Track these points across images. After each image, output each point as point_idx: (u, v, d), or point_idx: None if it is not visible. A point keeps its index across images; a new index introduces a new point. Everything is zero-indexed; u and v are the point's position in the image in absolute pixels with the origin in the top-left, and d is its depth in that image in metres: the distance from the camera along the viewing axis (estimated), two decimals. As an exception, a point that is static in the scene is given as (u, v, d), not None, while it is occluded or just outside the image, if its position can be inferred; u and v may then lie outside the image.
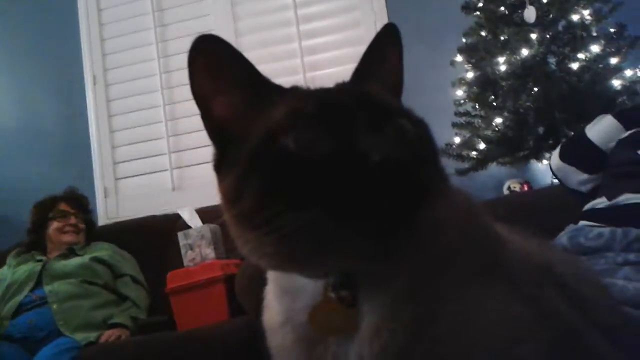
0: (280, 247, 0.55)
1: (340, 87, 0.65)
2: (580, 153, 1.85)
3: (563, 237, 1.47)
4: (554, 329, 0.56)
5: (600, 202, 1.58)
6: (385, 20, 3.34)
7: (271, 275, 0.70)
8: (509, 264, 0.62)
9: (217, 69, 0.64)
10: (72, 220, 2.73)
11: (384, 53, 0.72)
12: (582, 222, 1.52)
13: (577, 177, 1.82)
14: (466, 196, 0.69)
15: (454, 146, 2.81)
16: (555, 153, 1.94)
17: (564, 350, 0.55)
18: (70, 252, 2.64)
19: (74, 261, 2.56)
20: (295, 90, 0.65)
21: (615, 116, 1.79)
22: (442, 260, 0.59)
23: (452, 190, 0.63)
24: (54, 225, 2.70)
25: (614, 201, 1.51)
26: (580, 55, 2.55)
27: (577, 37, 2.59)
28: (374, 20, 3.33)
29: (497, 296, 0.58)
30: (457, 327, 0.56)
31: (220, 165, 0.64)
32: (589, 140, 1.81)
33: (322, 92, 0.62)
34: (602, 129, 1.80)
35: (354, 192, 0.50)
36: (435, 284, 0.58)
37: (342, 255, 0.55)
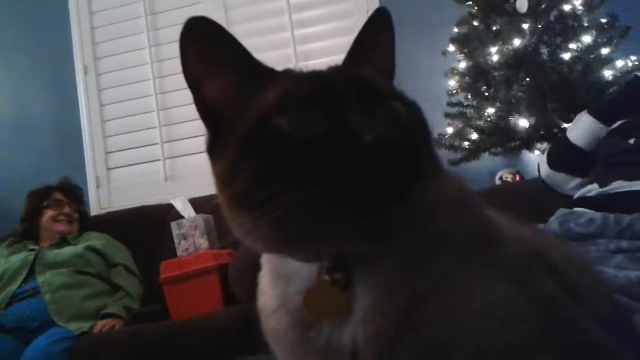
0: (275, 229, 0.56)
1: (333, 70, 0.65)
2: (569, 158, 1.84)
3: (554, 222, 1.47)
4: (547, 311, 0.57)
5: (592, 189, 1.58)
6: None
7: (265, 260, 0.70)
8: (501, 248, 0.63)
9: (209, 52, 0.63)
10: (66, 209, 2.73)
11: (376, 38, 0.71)
12: (575, 208, 1.53)
13: (570, 183, 1.82)
14: (458, 180, 0.69)
15: (446, 136, 2.81)
16: (543, 162, 1.93)
17: (557, 332, 0.55)
18: (63, 241, 2.64)
19: (67, 250, 2.56)
20: (288, 72, 0.64)
21: (592, 114, 1.79)
22: (434, 241, 0.59)
23: (444, 174, 0.63)
24: (48, 213, 2.71)
25: (605, 188, 1.51)
26: (572, 46, 2.56)
27: (569, 27, 2.60)
28: (366, 10, 3.32)
29: (489, 278, 0.58)
30: (449, 309, 0.56)
31: (214, 148, 0.64)
32: (573, 144, 1.81)
33: (315, 74, 0.62)
34: (583, 131, 1.80)
35: (346, 172, 0.51)
36: (428, 265, 0.58)
37: (336, 235, 0.55)
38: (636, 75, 1.82)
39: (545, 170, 1.92)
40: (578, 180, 1.78)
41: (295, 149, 0.54)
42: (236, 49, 0.64)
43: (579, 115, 1.86)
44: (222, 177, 0.60)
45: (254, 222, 0.56)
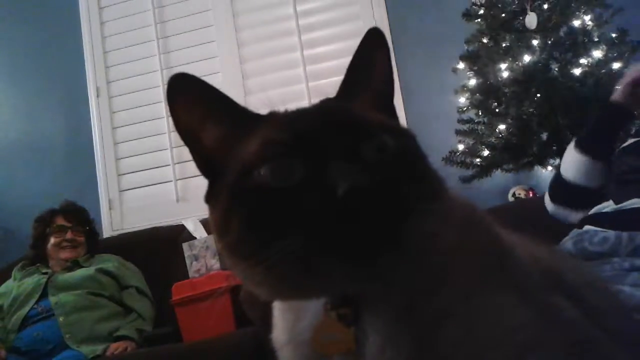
0: (269, 278, 0.56)
1: (318, 109, 0.64)
2: (566, 194, 1.82)
3: (568, 242, 1.46)
4: (567, 335, 0.56)
5: (607, 205, 1.57)
6: (386, 31, 3.35)
7: None
8: (516, 271, 0.62)
9: (193, 105, 0.65)
10: (69, 235, 2.71)
11: (371, 58, 0.69)
12: (587, 227, 1.51)
13: (574, 216, 1.79)
14: (466, 203, 0.68)
15: (457, 153, 2.80)
16: (547, 197, 1.92)
17: (578, 357, 0.54)
18: (75, 264, 2.64)
19: (79, 273, 2.56)
20: (272, 116, 0.65)
21: (577, 148, 1.77)
22: (439, 272, 0.58)
23: (450, 197, 0.62)
24: (52, 240, 2.69)
25: (619, 205, 1.50)
26: (583, 61, 2.55)
27: (579, 42, 2.59)
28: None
29: (504, 303, 0.57)
30: (463, 337, 0.55)
31: (210, 197, 0.64)
32: (565, 180, 1.79)
33: (297, 117, 0.62)
34: (572, 167, 1.78)
35: (324, 222, 0.51)
36: (435, 296, 0.57)
37: (329, 282, 0.56)
38: (610, 101, 1.79)
39: (548, 204, 1.90)
40: (580, 214, 1.74)
41: (277, 199, 0.54)
42: (219, 100, 0.66)
43: (568, 147, 1.84)
44: (217, 226, 0.61)
45: (250, 271, 0.57)
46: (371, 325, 0.58)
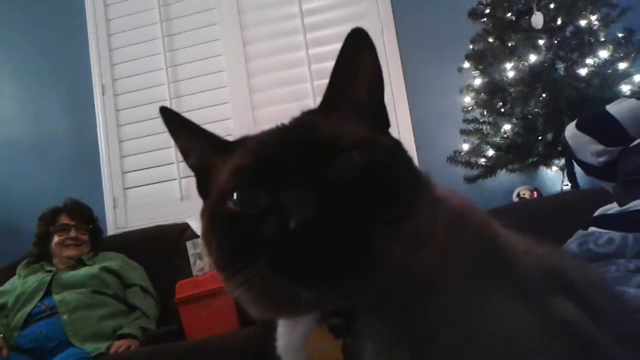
0: (249, 299, 0.60)
1: (284, 132, 0.64)
2: (600, 124, 1.80)
3: (572, 243, 1.46)
4: (568, 338, 0.55)
5: (612, 207, 1.56)
6: (392, 30, 3.35)
7: None
8: (516, 271, 0.61)
9: (176, 135, 0.71)
10: (72, 233, 2.71)
11: (355, 61, 0.65)
12: (592, 228, 1.50)
13: (591, 148, 1.77)
14: (462, 203, 0.67)
15: (462, 153, 2.80)
16: (572, 123, 1.89)
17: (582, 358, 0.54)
18: (79, 262, 2.64)
19: (83, 271, 2.56)
20: (243, 142, 0.66)
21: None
22: (427, 276, 0.57)
23: (439, 199, 0.62)
24: (55, 239, 2.70)
25: (624, 207, 1.49)
26: (589, 61, 2.55)
27: (585, 42, 2.58)
28: (380, 29, 3.33)
29: (504, 306, 0.56)
30: (460, 342, 0.55)
31: (202, 214, 0.67)
32: (608, 112, 1.77)
33: (263, 143, 0.62)
34: (625, 107, 1.76)
35: (281, 251, 0.53)
36: (426, 301, 0.57)
37: (299, 303, 0.56)
38: None
39: (571, 130, 1.87)
40: (601, 147, 1.73)
41: (245, 226, 0.57)
42: (197, 132, 0.69)
43: (623, 98, 1.85)
44: (204, 244, 0.65)
45: (235, 291, 0.59)
46: (366, 334, 0.58)
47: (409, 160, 0.63)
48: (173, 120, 0.70)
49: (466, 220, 0.64)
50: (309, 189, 0.54)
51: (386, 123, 0.68)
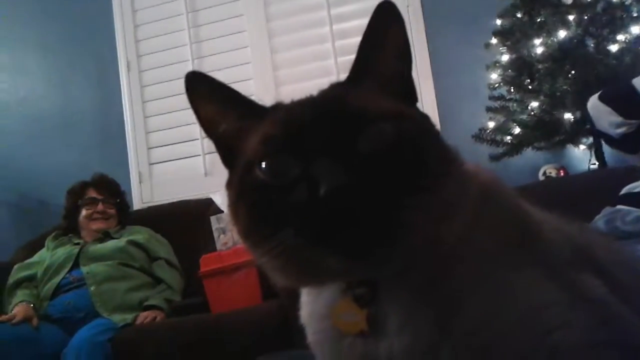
0: (276, 267, 0.59)
1: (315, 101, 0.63)
2: (622, 97, 1.76)
3: (600, 221, 1.44)
4: (596, 314, 0.54)
5: (638, 185, 1.54)
6: (418, 5, 3.29)
7: None
8: (544, 247, 0.60)
9: (207, 100, 0.68)
10: (100, 207, 2.76)
11: (382, 35, 0.64)
12: (619, 206, 1.49)
13: (610, 119, 1.74)
14: (488, 178, 0.66)
15: (487, 131, 2.77)
16: (595, 95, 1.86)
17: (607, 336, 0.53)
18: (106, 235, 2.70)
19: (111, 244, 2.61)
20: (274, 110, 0.65)
21: None
22: (454, 248, 0.57)
23: (466, 173, 0.62)
24: (83, 212, 2.75)
25: (652, 185, 1.47)
26: (620, 37, 2.49)
27: (617, 18, 2.51)
28: (406, 5, 3.28)
29: (529, 281, 0.56)
30: (485, 314, 0.55)
31: (228, 185, 0.67)
32: (633, 87, 1.73)
33: (294, 112, 0.62)
34: None
35: (310, 219, 0.53)
36: (451, 272, 0.57)
37: (326, 272, 0.57)
38: None
39: (593, 100, 1.84)
40: (620, 119, 1.70)
41: (274, 194, 0.56)
42: (229, 95, 0.68)
43: None
44: (230, 214, 0.64)
45: (260, 259, 0.59)
46: (390, 306, 0.58)
47: (437, 133, 0.62)
48: (205, 83, 0.68)
49: (495, 195, 0.64)
50: (339, 159, 0.54)
51: (414, 97, 0.68)
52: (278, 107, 0.66)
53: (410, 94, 0.67)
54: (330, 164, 0.54)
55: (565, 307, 0.54)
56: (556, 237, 0.62)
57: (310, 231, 0.53)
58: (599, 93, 1.84)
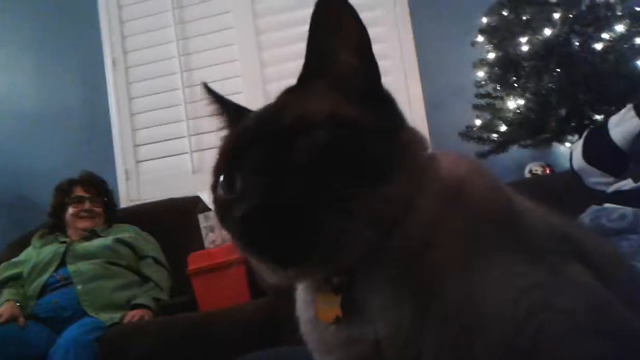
0: (256, 268, 0.63)
1: (257, 116, 0.65)
2: (606, 157, 1.78)
3: (585, 219, 1.46)
4: (582, 298, 0.54)
5: (626, 184, 1.56)
6: (405, 3, 3.30)
7: None
8: (528, 234, 0.59)
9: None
10: (87, 205, 2.75)
11: (330, 28, 0.61)
12: (606, 205, 1.50)
13: (600, 179, 1.76)
14: (464, 168, 0.65)
15: (474, 128, 2.78)
16: (578, 152, 1.87)
17: (592, 319, 0.53)
18: (93, 233, 2.68)
19: (97, 242, 2.60)
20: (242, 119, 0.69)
21: (636, 114, 1.72)
22: (423, 238, 0.57)
23: (424, 168, 0.61)
24: (70, 210, 2.74)
25: (638, 184, 1.49)
26: (605, 35, 2.50)
27: (601, 16, 2.53)
28: (393, 2, 3.29)
29: (509, 264, 0.55)
30: (464, 301, 0.54)
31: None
32: (614, 143, 1.73)
33: (239, 127, 0.64)
34: (626, 131, 1.71)
35: (238, 235, 0.57)
36: (425, 261, 0.57)
37: (279, 274, 0.61)
38: None
39: (578, 161, 1.86)
40: (611, 179, 1.72)
41: (227, 207, 0.59)
42: (223, 102, 0.72)
43: (625, 113, 1.76)
44: None
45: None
46: (368, 292, 0.59)
47: (384, 133, 0.59)
48: (209, 94, 0.73)
49: (470, 185, 0.62)
50: (263, 175, 0.56)
51: (374, 93, 0.63)
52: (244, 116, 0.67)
53: (369, 90, 0.63)
54: (248, 184, 0.57)
55: (549, 290, 0.54)
56: (540, 225, 0.61)
57: (241, 245, 0.57)
58: (581, 151, 1.85)
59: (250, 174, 0.57)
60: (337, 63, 0.62)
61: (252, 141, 0.59)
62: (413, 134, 0.64)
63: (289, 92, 0.66)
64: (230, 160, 0.61)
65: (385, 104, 0.64)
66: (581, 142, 1.90)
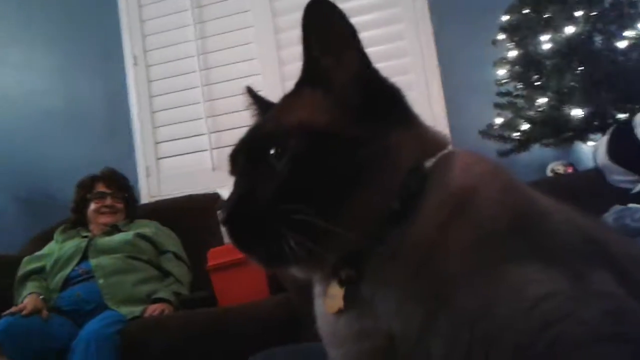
0: None
1: (253, 125, 0.70)
2: (632, 155, 1.77)
3: (609, 218, 1.44)
4: (603, 308, 0.52)
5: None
6: (425, 1, 3.28)
7: None
8: (549, 238, 0.57)
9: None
10: (108, 201, 2.79)
11: (319, 34, 0.62)
12: (630, 204, 1.49)
13: (624, 177, 1.75)
14: (481, 171, 0.63)
15: (495, 127, 2.76)
16: (603, 149, 1.85)
17: (613, 328, 0.50)
18: (114, 228, 2.71)
19: (119, 237, 2.63)
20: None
21: None
22: (431, 242, 0.56)
23: (452, 158, 0.62)
24: (92, 206, 2.78)
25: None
26: (628, 33, 2.47)
27: (625, 14, 2.50)
28: (413, 0, 3.28)
29: (526, 271, 0.53)
30: (476, 309, 0.52)
31: None
32: (639, 142, 1.72)
33: (242, 135, 0.69)
34: None
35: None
36: (434, 266, 0.56)
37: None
38: None
39: (603, 158, 1.84)
40: (635, 177, 1.70)
41: None
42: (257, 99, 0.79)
43: None
44: None
45: None
46: (379, 288, 0.58)
47: (357, 143, 0.59)
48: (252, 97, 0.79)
49: (479, 191, 0.60)
50: (245, 181, 0.62)
51: (373, 94, 0.63)
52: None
53: (361, 92, 0.63)
54: (233, 192, 0.62)
55: (567, 299, 0.52)
56: (565, 228, 0.59)
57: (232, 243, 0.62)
58: (606, 148, 1.83)
59: (238, 178, 0.64)
60: (324, 69, 0.64)
61: (242, 147, 0.65)
62: (414, 135, 0.64)
63: (284, 98, 0.69)
64: (230, 164, 0.67)
65: (385, 103, 0.64)
66: (606, 139, 1.88)
